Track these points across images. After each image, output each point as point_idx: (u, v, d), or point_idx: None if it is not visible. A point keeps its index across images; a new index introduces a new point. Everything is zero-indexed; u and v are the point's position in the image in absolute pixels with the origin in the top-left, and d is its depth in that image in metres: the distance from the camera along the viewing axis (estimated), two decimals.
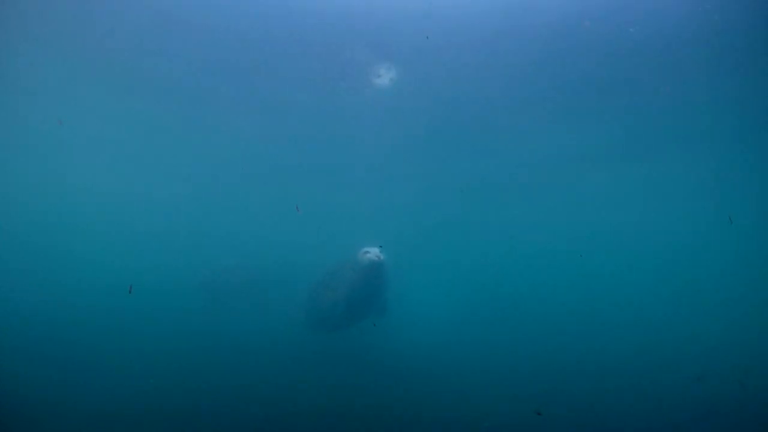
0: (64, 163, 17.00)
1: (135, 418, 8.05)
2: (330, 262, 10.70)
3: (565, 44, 9.15)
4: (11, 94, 12.32)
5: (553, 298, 19.20)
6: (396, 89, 10.95)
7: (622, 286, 21.21)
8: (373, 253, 8.98)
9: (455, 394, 9.78)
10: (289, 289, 13.97)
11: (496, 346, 13.64)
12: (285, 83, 11.13)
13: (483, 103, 11.46)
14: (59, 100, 12.46)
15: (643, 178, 15.33)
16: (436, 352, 12.51)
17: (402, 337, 12.51)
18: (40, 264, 18.61)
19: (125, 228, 21.18)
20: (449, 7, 8.62)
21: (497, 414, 8.89)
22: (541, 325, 15.93)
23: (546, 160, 14.10)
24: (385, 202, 18.09)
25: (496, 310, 18.18)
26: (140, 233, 21.37)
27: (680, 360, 12.69)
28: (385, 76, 10.42)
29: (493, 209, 17.93)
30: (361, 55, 9.94)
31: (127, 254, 20.12)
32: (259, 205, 19.19)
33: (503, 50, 9.47)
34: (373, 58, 10.06)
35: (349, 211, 19.14)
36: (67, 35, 9.95)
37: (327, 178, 16.58)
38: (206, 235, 20.54)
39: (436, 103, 11.56)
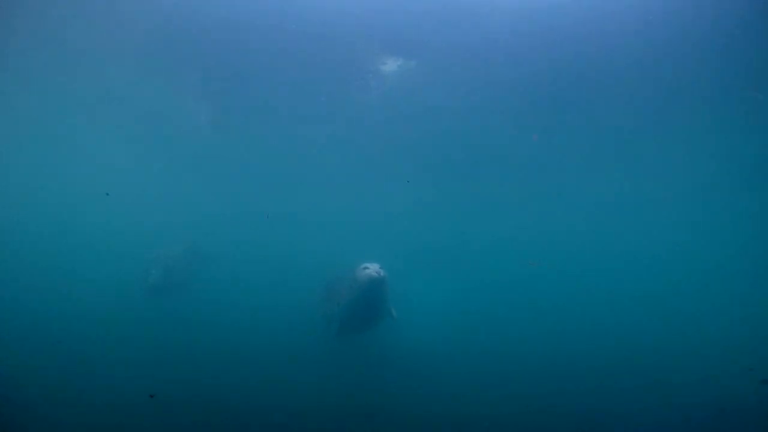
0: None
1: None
2: (330, 273, 10.42)
3: (571, 46, 9.20)
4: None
5: (560, 304, 19.06)
6: (401, 88, 10.93)
7: (621, 288, 21.21)
8: (372, 269, 8.39)
9: (455, 396, 9.75)
10: (287, 290, 13.80)
11: (497, 349, 13.57)
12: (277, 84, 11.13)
13: (488, 110, 11.48)
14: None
15: (642, 182, 15.33)
16: (438, 355, 12.41)
17: (402, 340, 12.39)
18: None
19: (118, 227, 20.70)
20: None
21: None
22: (544, 330, 15.81)
23: (551, 162, 14.06)
24: (387, 206, 17.99)
25: (499, 314, 18.05)
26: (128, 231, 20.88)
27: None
28: (391, 64, 10.32)
29: (501, 211, 17.92)
30: (365, 50, 9.92)
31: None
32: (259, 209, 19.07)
33: (510, 52, 9.49)
34: (378, 52, 10.02)
35: (353, 214, 19.08)
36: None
37: (326, 181, 16.51)
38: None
39: (441, 107, 11.58)
